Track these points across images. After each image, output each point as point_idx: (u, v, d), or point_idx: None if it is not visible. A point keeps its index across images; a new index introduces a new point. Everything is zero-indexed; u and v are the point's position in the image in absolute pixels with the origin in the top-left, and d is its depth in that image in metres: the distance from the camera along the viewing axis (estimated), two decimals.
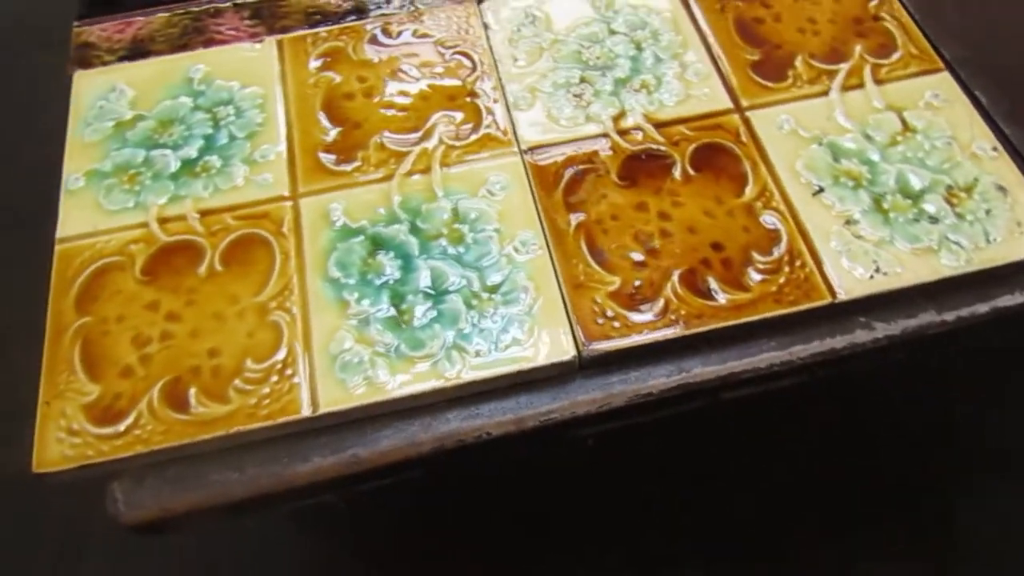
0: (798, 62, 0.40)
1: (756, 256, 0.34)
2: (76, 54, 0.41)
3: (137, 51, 0.41)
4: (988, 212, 0.35)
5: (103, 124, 0.38)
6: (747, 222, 0.35)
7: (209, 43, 0.41)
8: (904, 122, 0.37)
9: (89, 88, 0.40)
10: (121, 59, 0.41)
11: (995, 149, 0.36)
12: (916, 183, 0.36)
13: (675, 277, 0.34)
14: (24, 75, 0.44)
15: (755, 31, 0.41)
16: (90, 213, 0.36)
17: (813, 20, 0.41)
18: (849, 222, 0.35)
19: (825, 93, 0.39)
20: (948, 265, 0.34)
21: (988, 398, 0.44)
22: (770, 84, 0.39)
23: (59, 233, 0.35)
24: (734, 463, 0.42)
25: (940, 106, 0.38)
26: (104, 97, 0.39)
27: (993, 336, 0.37)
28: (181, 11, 0.42)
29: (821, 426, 0.42)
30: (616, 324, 0.33)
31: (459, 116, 0.38)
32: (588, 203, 0.36)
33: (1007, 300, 0.35)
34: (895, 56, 0.40)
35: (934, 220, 0.35)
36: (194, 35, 0.42)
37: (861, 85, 0.39)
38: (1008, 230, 0.34)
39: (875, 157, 0.36)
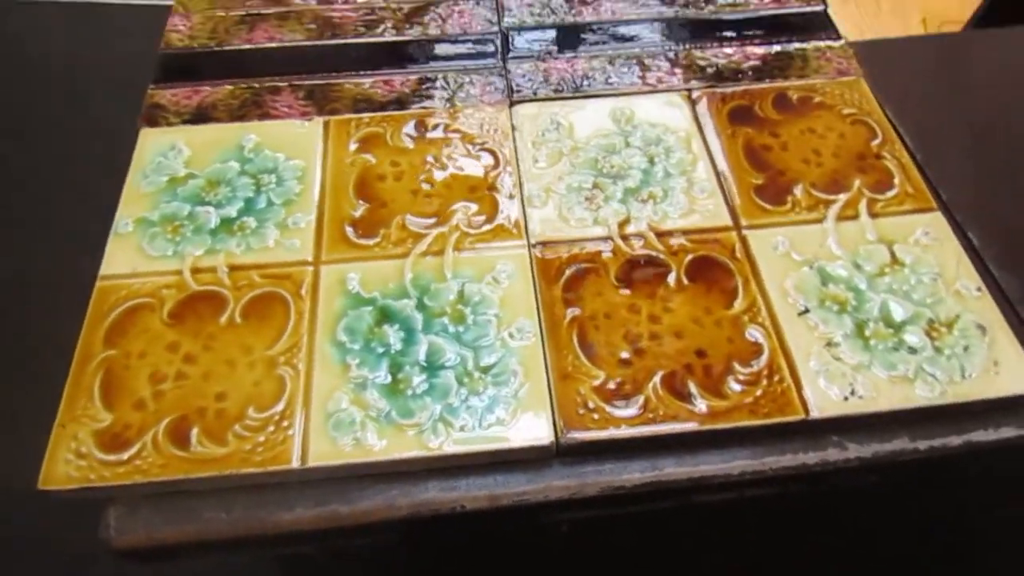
0: (799, 189, 0.42)
1: (737, 366, 0.36)
2: (146, 113, 0.46)
3: (200, 116, 0.46)
4: (966, 348, 0.36)
5: (159, 178, 0.43)
6: (732, 333, 0.37)
7: (264, 116, 0.46)
8: (893, 255, 0.39)
9: (152, 144, 0.44)
10: (185, 122, 0.45)
11: (979, 289, 0.38)
12: (899, 314, 0.37)
13: (657, 378, 0.35)
14: (101, 126, 0.49)
15: (762, 157, 0.44)
16: (133, 256, 0.39)
17: (818, 152, 0.44)
18: (830, 344, 0.36)
19: (821, 221, 0.41)
20: (923, 395, 0.35)
21: (965, 527, 0.44)
22: (770, 207, 0.42)
23: (102, 270, 0.39)
24: (708, 564, 0.42)
25: (929, 244, 0.40)
26: (163, 154, 0.44)
27: (969, 468, 0.38)
28: (244, 85, 0.47)
29: (796, 537, 0.43)
30: (596, 416, 0.34)
31: (477, 206, 0.42)
32: (585, 299, 0.38)
33: (981, 435, 0.36)
34: (891, 193, 0.42)
35: (913, 351, 0.36)
36: (252, 108, 0.46)
37: (856, 216, 0.41)
38: (984, 368, 0.35)
39: (862, 285, 0.38)
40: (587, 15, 0.52)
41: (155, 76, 0.48)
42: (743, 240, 0.40)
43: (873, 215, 0.41)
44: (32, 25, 0.63)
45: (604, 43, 0.50)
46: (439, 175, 0.43)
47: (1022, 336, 0.37)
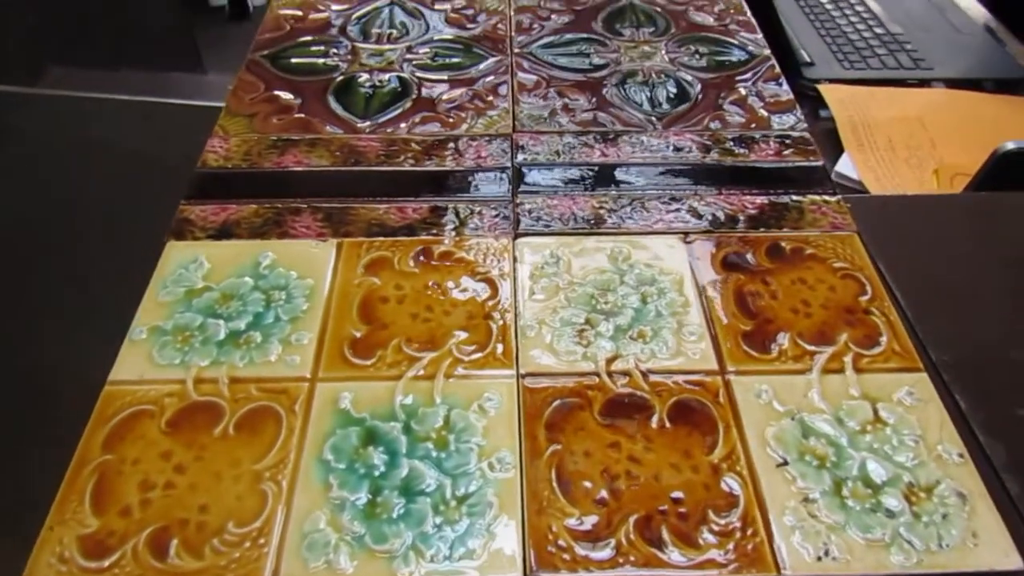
0: (786, 339, 0.43)
1: (712, 515, 0.36)
2: (175, 226, 0.49)
3: (224, 232, 0.49)
4: (945, 516, 0.36)
5: (177, 288, 0.45)
6: (709, 480, 0.37)
7: (283, 235, 0.49)
8: (876, 413, 0.40)
9: (176, 256, 0.47)
10: (209, 237, 0.49)
11: (961, 455, 0.38)
12: (879, 475, 0.37)
13: (631, 522, 0.36)
14: (131, 238, 0.52)
15: (752, 304, 0.45)
16: (142, 363, 0.42)
17: (807, 303, 0.45)
18: (807, 500, 0.36)
19: (806, 372, 0.42)
20: (897, 562, 0.34)
21: None
22: (756, 354, 0.43)
23: (111, 375, 0.41)
24: None
25: (913, 405, 0.40)
26: (185, 266, 0.47)
27: None
28: (268, 205, 0.51)
29: None
30: (566, 556, 0.35)
31: (472, 334, 0.43)
32: (567, 434, 0.39)
33: None
34: (877, 349, 0.43)
35: (891, 514, 0.36)
36: (273, 227, 0.49)
37: (841, 370, 0.42)
38: (962, 539, 0.35)
39: (843, 441, 0.39)
40: (595, 157, 0.55)
41: (188, 192, 0.51)
42: (727, 385, 0.41)
43: (858, 370, 0.42)
44: (92, 120, 0.69)
45: (608, 184, 0.53)
46: (438, 301, 0.45)
47: (1004, 507, 0.36)
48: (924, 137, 0.87)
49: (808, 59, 0.94)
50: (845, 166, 0.78)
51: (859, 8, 1.06)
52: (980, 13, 1.04)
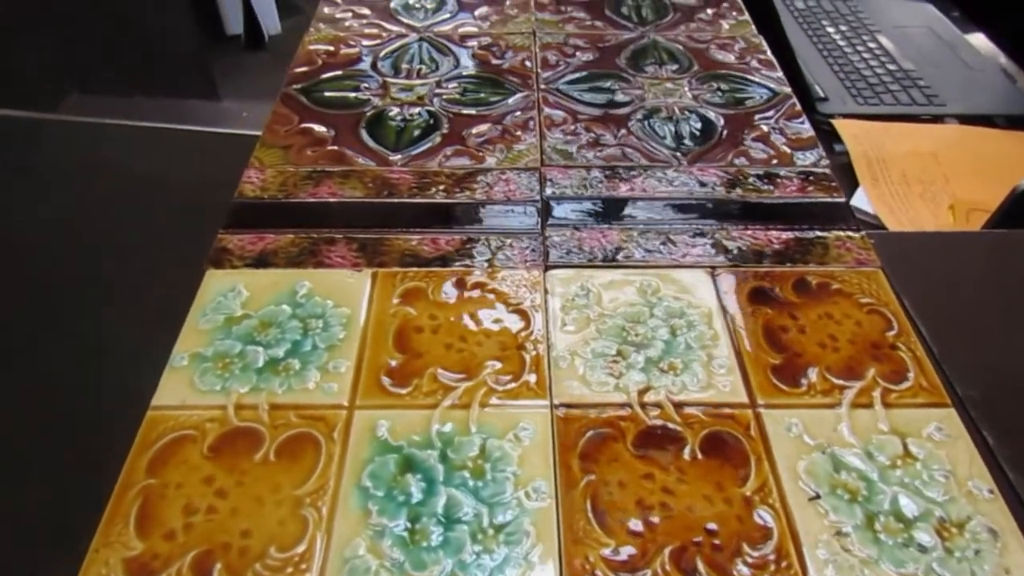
0: (814, 373, 0.44)
1: (746, 548, 0.36)
2: (213, 255, 0.51)
3: (261, 261, 0.50)
4: (977, 553, 0.36)
5: (216, 316, 0.46)
6: (743, 512, 0.38)
7: (319, 265, 0.50)
8: (906, 448, 0.40)
9: (215, 285, 0.49)
10: (247, 265, 0.50)
11: (991, 491, 0.39)
12: (910, 509, 0.38)
13: (666, 553, 0.36)
14: (167, 265, 0.53)
15: (780, 338, 0.46)
16: (183, 389, 0.43)
17: (834, 338, 0.46)
18: (840, 534, 0.37)
19: (835, 406, 0.42)
20: None
21: None
22: (786, 388, 0.43)
23: (154, 400, 0.42)
24: None
25: (942, 440, 0.41)
26: (224, 294, 0.48)
27: None
28: (304, 235, 0.52)
29: None
30: None
31: (505, 364, 0.44)
32: (601, 464, 0.40)
33: None
34: (905, 385, 0.43)
35: (923, 549, 0.36)
36: (308, 256, 0.50)
37: (870, 405, 0.42)
38: (994, 574, 0.35)
39: (874, 476, 0.39)
40: (623, 190, 0.56)
41: (226, 222, 0.53)
42: (758, 418, 0.42)
43: (887, 405, 0.42)
44: (129, 148, 0.71)
45: (636, 217, 0.54)
46: (472, 332, 0.46)
47: None
48: (938, 172, 0.88)
49: (822, 94, 0.96)
50: (860, 200, 0.79)
51: (871, 45, 1.08)
52: (992, 50, 1.06)
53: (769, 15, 0.88)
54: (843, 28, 1.13)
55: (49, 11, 2.55)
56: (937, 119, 0.91)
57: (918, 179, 0.90)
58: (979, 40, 1.09)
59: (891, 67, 1.03)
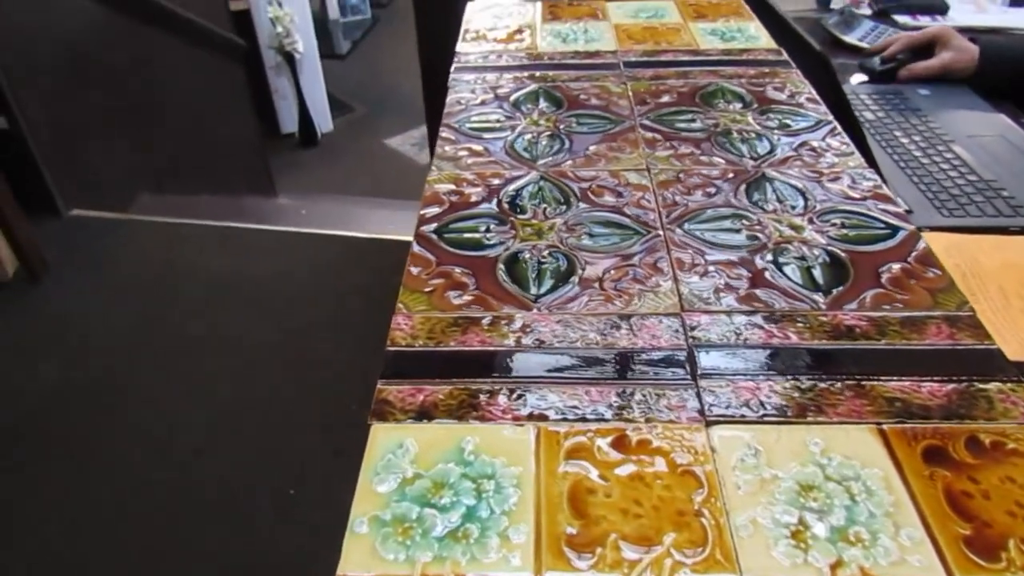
0: (1011, 545, 0.42)
1: None
2: (376, 407, 0.51)
3: (423, 414, 0.51)
4: None
5: (389, 476, 0.47)
6: None
7: (481, 419, 0.50)
8: None
9: (383, 440, 0.49)
10: (410, 419, 0.50)
11: None
12: None
13: None
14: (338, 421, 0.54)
15: (964, 505, 0.45)
16: (367, 557, 0.42)
17: (1022, 505, 0.45)
18: None
19: None
20: None
21: None
22: (984, 563, 0.42)
23: (340, 569, 0.42)
24: None
25: None
26: (392, 451, 0.48)
27: None
28: (462, 387, 0.53)
29: None
30: None
31: (686, 533, 0.43)
32: None
33: None
34: None
35: None
36: (469, 409, 0.51)
37: None
38: None
39: None
40: (768, 337, 0.56)
41: (383, 372, 0.54)
42: None
43: None
44: (203, 247, 0.73)
45: (787, 368, 0.54)
46: (646, 495, 0.46)
47: None
48: None
49: (907, 207, 0.96)
50: None
51: (947, 155, 1.09)
52: None
53: (853, 130, 0.89)
54: (916, 139, 1.14)
55: (123, 116, 2.71)
56: None
57: (1016, 294, 0.89)
58: None
59: (971, 178, 1.03)
